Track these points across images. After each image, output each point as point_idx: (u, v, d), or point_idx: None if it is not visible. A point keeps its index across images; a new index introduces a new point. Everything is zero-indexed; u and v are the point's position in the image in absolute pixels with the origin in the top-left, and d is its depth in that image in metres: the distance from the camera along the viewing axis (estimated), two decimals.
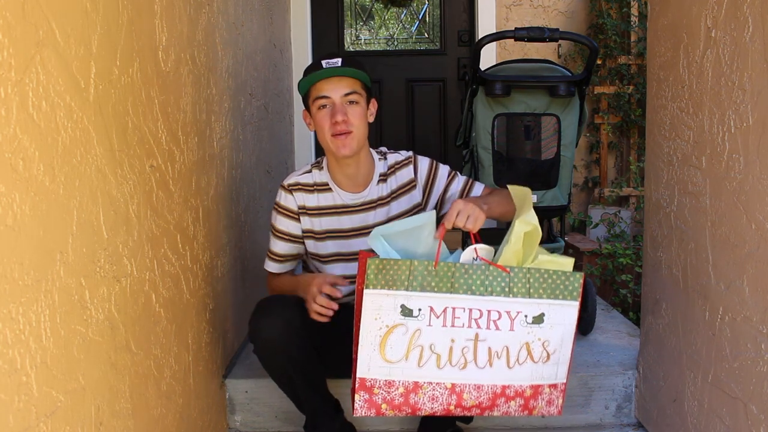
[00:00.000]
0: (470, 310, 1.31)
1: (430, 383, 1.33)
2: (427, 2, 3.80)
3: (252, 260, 2.30)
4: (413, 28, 3.84)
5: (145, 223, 1.31)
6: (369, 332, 1.29)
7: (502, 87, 2.06)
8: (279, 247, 1.72)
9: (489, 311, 1.32)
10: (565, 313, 1.36)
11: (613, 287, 2.98)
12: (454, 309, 1.31)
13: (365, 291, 1.28)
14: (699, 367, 1.46)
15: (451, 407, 1.35)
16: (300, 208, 1.68)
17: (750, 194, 1.23)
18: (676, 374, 1.60)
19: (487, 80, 2.07)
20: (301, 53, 3.59)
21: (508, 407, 1.37)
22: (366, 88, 1.63)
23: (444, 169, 1.74)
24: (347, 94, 1.57)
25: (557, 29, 2.03)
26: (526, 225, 1.33)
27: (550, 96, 2.09)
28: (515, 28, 2.04)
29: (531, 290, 1.33)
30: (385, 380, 1.32)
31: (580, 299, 1.37)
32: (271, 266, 1.76)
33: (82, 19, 1.06)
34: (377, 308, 1.28)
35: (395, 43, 3.83)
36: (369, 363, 1.31)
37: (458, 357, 1.32)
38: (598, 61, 3.51)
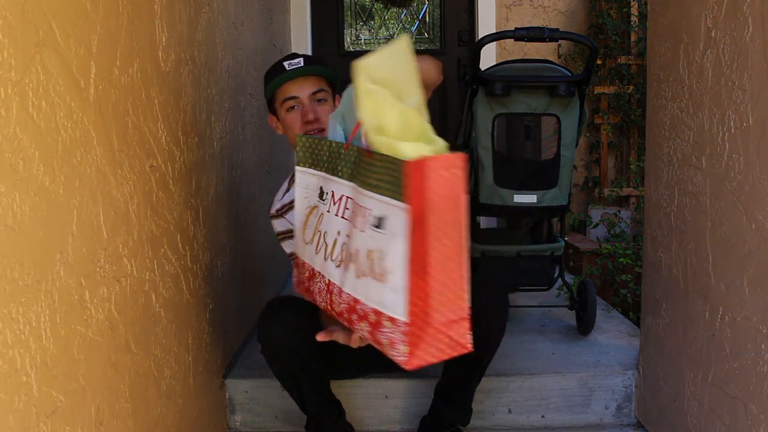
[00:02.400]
0: (352, 201, 1.10)
1: (319, 273, 1.21)
2: (427, 2, 3.80)
3: (252, 260, 2.30)
4: (413, 28, 3.84)
5: (145, 223, 1.31)
6: (300, 210, 1.26)
7: (502, 87, 2.06)
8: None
9: (359, 206, 1.07)
10: (398, 220, 0.97)
11: (613, 287, 2.98)
12: (348, 199, 1.13)
13: (297, 168, 1.26)
14: (699, 367, 1.46)
15: (328, 307, 1.19)
16: None
17: (750, 194, 1.23)
18: (676, 374, 1.60)
19: (487, 80, 2.07)
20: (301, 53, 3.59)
21: (361, 328, 1.10)
22: (331, 84, 1.63)
23: None
24: (314, 93, 1.57)
25: (557, 29, 2.03)
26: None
27: (550, 96, 2.09)
28: (515, 28, 2.04)
29: (380, 183, 1.01)
30: (302, 261, 1.27)
31: (410, 206, 0.95)
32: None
33: (82, 19, 1.06)
34: (306, 186, 1.24)
35: None
36: (298, 240, 1.28)
37: (338, 252, 1.13)
38: (598, 61, 3.51)
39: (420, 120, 1.02)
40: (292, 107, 1.58)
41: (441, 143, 1.00)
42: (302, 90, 1.57)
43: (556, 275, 2.32)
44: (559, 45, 3.61)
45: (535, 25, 3.57)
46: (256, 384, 1.90)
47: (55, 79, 0.97)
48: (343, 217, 1.14)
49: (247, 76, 2.34)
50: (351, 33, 3.83)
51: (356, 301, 1.08)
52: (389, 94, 1.02)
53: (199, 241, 1.68)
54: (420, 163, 0.91)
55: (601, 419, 1.90)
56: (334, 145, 1.18)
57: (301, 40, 3.60)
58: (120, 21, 1.21)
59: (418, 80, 1.07)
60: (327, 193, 1.19)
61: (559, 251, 2.26)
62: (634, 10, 3.49)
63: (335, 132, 1.20)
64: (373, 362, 1.81)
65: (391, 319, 1.00)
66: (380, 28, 3.84)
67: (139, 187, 1.29)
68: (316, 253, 1.20)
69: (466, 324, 0.98)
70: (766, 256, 1.19)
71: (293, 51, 3.56)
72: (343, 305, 1.12)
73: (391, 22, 3.84)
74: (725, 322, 1.34)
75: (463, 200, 0.94)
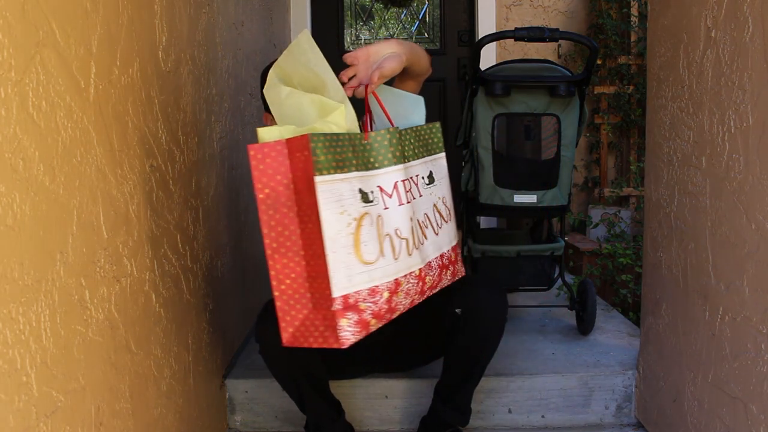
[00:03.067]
0: (402, 182, 1.13)
1: (406, 276, 1.11)
2: (427, 2, 3.80)
3: (252, 260, 2.30)
4: (413, 28, 3.84)
5: (145, 223, 1.31)
6: (337, 232, 1.00)
7: (502, 87, 2.06)
8: None
9: (409, 179, 1.15)
10: (442, 165, 1.29)
11: (613, 287, 2.98)
12: (401, 182, 1.11)
13: (317, 179, 0.98)
14: (699, 367, 1.46)
15: (416, 297, 1.16)
16: None
17: (750, 194, 1.23)
18: (676, 374, 1.60)
19: (487, 80, 2.07)
20: None
21: (447, 279, 1.22)
22: None
23: None
24: None
25: (557, 29, 2.03)
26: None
27: (550, 96, 2.09)
28: (515, 28, 2.04)
29: (416, 151, 1.21)
30: (369, 288, 1.04)
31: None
32: None
33: (82, 19, 1.06)
34: (338, 199, 1.00)
35: None
36: (348, 272, 1.01)
37: (418, 235, 1.13)
38: (598, 61, 3.51)
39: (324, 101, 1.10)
40: None
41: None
42: None
43: (556, 275, 2.32)
44: (559, 45, 3.61)
45: (535, 25, 3.57)
46: (256, 384, 1.90)
47: (55, 79, 0.97)
48: (408, 202, 1.13)
49: (247, 76, 2.34)
50: (351, 33, 3.83)
51: (441, 255, 1.19)
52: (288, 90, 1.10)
53: (199, 241, 1.68)
54: None
55: (601, 419, 1.90)
56: (354, 137, 1.07)
57: None
58: (120, 21, 1.21)
59: (326, 68, 1.13)
60: (373, 191, 1.07)
61: (559, 251, 2.26)
62: (634, 10, 3.49)
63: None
64: (373, 362, 1.81)
65: (454, 247, 1.24)
66: (380, 28, 3.84)
67: (139, 187, 1.29)
68: (396, 260, 1.08)
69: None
70: (766, 256, 1.19)
71: None
72: (433, 274, 1.18)
73: (391, 22, 3.84)
74: (725, 322, 1.34)
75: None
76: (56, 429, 0.96)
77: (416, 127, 1.23)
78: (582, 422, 1.89)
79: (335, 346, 1.01)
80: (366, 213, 1.05)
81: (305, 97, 1.09)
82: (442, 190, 1.27)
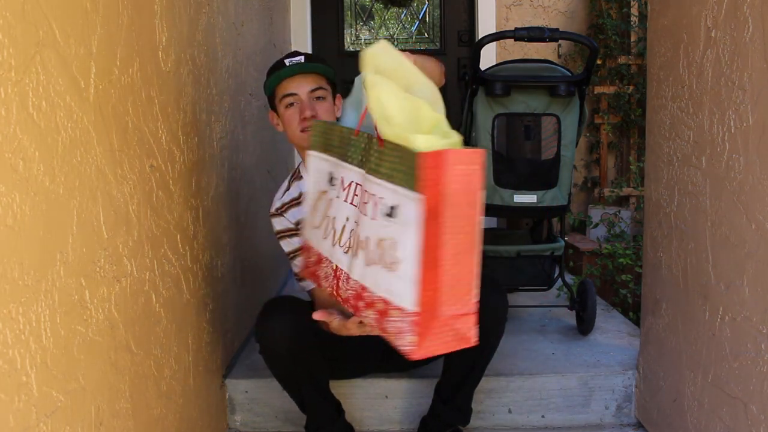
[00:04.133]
0: (360, 187, 1.11)
1: (327, 258, 1.20)
2: (427, 2, 3.80)
3: (252, 260, 2.30)
4: (413, 28, 3.84)
5: (145, 223, 1.31)
6: (311, 195, 1.24)
7: (502, 87, 2.06)
8: (296, 241, 1.66)
9: (368, 193, 1.07)
10: (412, 210, 0.99)
11: (613, 287, 2.98)
12: (357, 185, 1.12)
13: (310, 152, 1.23)
14: (699, 367, 1.46)
15: (334, 293, 1.18)
16: (297, 223, 1.65)
17: (750, 194, 1.23)
18: (676, 374, 1.60)
19: (487, 80, 2.07)
20: None
21: (367, 315, 1.10)
22: (331, 83, 1.63)
23: None
24: (313, 90, 1.57)
25: (557, 29, 2.03)
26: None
27: (550, 96, 2.09)
28: (515, 28, 2.04)
29: (393, 172, 1.01)
30: (309, 245, 1.25)
31: (424, 197, 0.98)
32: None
33: (82, 19, 1.06)
34: (317, 170, 1.22)
35: (395, 43, 3.83)
36: (307, 224, 1.25)
37: (347, 238, 1.14)
38: (598, 61, 3.51)
39: (431, 112, 1.01)
40: (291, 104, 1.58)
41: (456, 137, 0.98)
42: (301, 87, 1.57)
43: (556, 275, 2.32)
44: (559, 45, 3.61)
45: (535, 25, 3.57)
46: (256, 384, 1.90)
47: (55, 79, 0.97)
48: (352, 204, 1.13)
49: (247, 76, 2.34)
50: (351, 33, 3.83)
51: (364, 288, 1.07)
52: (394, 85, 1.02)
53: (199, 241, 1.68)
54: (437, 156, 0.90)
55: (601, 419, 1.90)
56: (345, 131, 1.17)
57: (301, 40, 3.60)
58: (120, 21, 1.21)
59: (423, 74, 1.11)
60: (336, 179, 1.18)
61: (559, 251, 2.26)
62: (634, 10, 3.49)
63: (348, 118, 1.21)
64: (373, 362, 1.81)
65: (400, 309, 0.99)
66: (380, 28, 3.84)
67: (139, 187, 1.29)
68: (324, 239, 1.19)
69: (473, 318, 0.98)
70: (766, 256, 1.19)
71: (292, 50, 3.56)
72: (349, 291, 1.11)
73: (391, 22, 3.84)
74: (725, 322, 1.34)
75: (480, 196, 0.92)
76: (56, 429, 0.95)
77: (402, 146, 1.01)
78: (582, 422, 1.89)
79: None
80: (326, 191, 1.19)
81: (420, 104, 1.02)
82: (398, 235, 1.00)
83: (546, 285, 2.32)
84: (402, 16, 3.84)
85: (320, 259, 1.21)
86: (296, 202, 1.65)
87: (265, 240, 2.52)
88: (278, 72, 1.58)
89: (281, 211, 1.67)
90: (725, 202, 1.33)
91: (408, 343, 0.98)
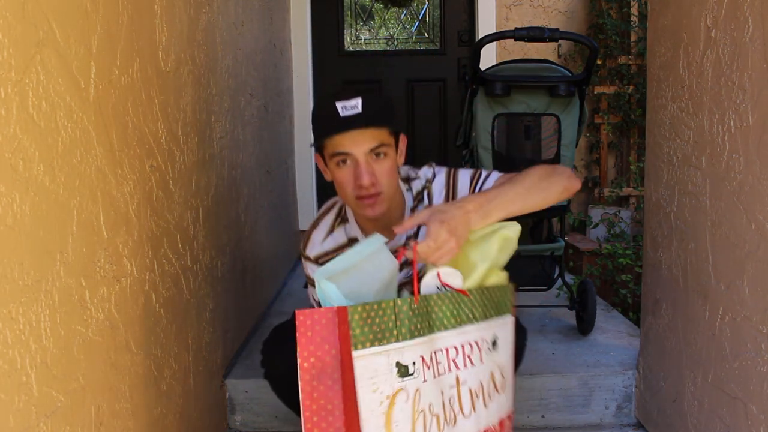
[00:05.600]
0: (446, 349, 1.04)
1: None
2: (427, 2, 3.80)
3: (252, 260, 2.30)
4: (413, 28, 3.84)
5: (145, 223, 1.31)
6: (371, 411, 0.94)
7: (502, 87, 2.06)
8: None
9: (463, 346, 1.06)
10: (507, 330, 1.14)
11: (613, 287, 2.98)
12: (436, 353, 1.02)
13: (354, 353, 0.94)
14: (699, 367, 1.46)
15: None
16: None
17: (750, 194, 1.23)
18: (676, 374, 1.60)
19: (487, 80, 2.07)
20: (301, 53, 3.59)
21: None
22: (394, 132, 1.30)
23: (465, 177, 1.41)
24: (373, 149, 1.25)
25: (557, 29, 2.03)
26: (509, 230, 1.15)
27: (550, 96, 2.09)
28: (515, 28, 2.04)
29: (485, 311, 1.10)
30: None
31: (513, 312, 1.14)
32: None
33: (82, 19, 1.06)
34: (372, 375, 0.94)
35: (395, 43, 3.83)
36: None
37: (449, 411, 1.03)
38: (598, 61, 3.51)
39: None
40: (344, 161, 1.26)
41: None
42: (358, 146, 1.23)
43: (556, 275, 2.32)
44: (559, 45, 3.61)
45: (535, 25, 3.57)
46: (256, 384, 1.90)
47: (55, 79, 0.97)
48: (449, 370, 1.04)
49: (247, 76, 2.34)
50: (351, 33, 3.83)
51: (486, 430, 1.10)
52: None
53: (199, 241, 1.68)
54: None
55: (601, 419, 1.90)
56: (399, 303, 0.98)
57: (301, 40, 3.60)
58: (120, 21, 1.21)
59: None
60: (413, 364, 0.99)
61: (559, 251, 2.26)
62: (634, 10, 3.49)
63: (339, 299, 0.99)
64: None
65: (509, 417, 1.15)
66: (380, 28, 3.84)
67: (139, 187, 1.29)
68: None
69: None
70: (766, 256, 1.19)
71: (293, 50, 3.56)
72: None
73: (391, 22, 3.84)
74: (725, 322, 1.34)
75: None
76: (56, 429, 0.95)
77: (485, 286, 1.11)
78: (582, 422, 1.89)
79: None
80: (401, 389, 0.97)
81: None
82: (502, 360, 1.11)
83: (546, 285, 2.32)
84: (402, 16, 3.84)
85: None
86: (340, 250, 1.41)
87: (265, 240, 2.52)
88: (330, 124, 1.24)
89: (319, 260, 1.44)
90: (725, 202, 1.33)
91: None
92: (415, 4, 3.82)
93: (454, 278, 1.08)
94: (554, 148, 2.12)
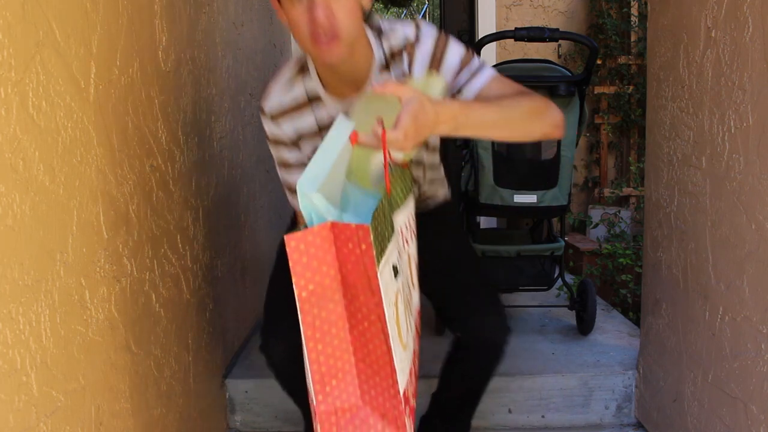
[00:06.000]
0: (401, 229, 0.98)
1: (415, 351, 1.02)
2: (427, 2, 3.81)
3: (252, 260, 2.30)
4: None
5: (145, 223, 1.31)
6: (392, 324, 0.90)
7: None
8: (288, 155, 1.37)
9: (407, 222, 1.00)
10: (412, 218, 1.11)
11: (613, 287, 2.98)
12: (399, 236, 0.96)
13: (380, 275, 0.87)
14: (699, 367, 1.46)
15: (412, 377, 1.03)
16: (299, 137, 1.33)
17: (750, 194, 1.23)
18: (676, 374, 1.60)
19: None
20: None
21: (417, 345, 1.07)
22: None
23: (454, 57, 1.23)
24: None
25: (557, 29, 2.03)
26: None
27: (550, 96, 2.09)
28: (515, 28, 2.03)
29: (405, 185, 1.05)
30: (408, 378, 0.98)
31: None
32: (295, 173, 1.37)
33: (82, 19, 1.06)
34: (386, 290, 0.89)
35: None
36: (401, 365, 0.91)
37: (408, 290, 0.99)
38: (598, 61, 3.51)
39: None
40: None
41: None
42: None
43: (556, 275, 2.32)
44: (559, 45, 3.61)
45: (535, 25, 3.57)
46: (256, 384, 1.90)
47: (55, 79, 0.97)
48: (404, 249, 0.99)
49: (247, 76, 2.34)
50: None
51: (417, 310, 1.08)
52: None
53: (199, 241, 1.68)
54: None
55: (601, 419, 1.90)
56: (385, 204, 0.94)
57: None
58: (120, 21, 1.21)
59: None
60: (400, 263, 0.95)
61: (559, 251, 2.26)
62: (634, 10, 3.49)
63: (329, 211, 0.90)
64: None
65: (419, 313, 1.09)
66: None
67: (139, 187, 1.29)
68: (413, 338, 0.98)
69: None
70: (766, 256, 1.19)
71: (293, 51, 3.55)
72: (416, 345, 1.06)
73: None
74: (725, 322, 1.34)
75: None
76: (56, 429, 0.95)
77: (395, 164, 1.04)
78: (582, 422, 1.89)
79: None
80: (398, 291, 0.93)
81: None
82: (413, 247, 1.03)
83: (546, 285, 2.32)
84: (402, 16, 3.84)
85: (416, 362, 1.02)
86: (298, 108, 1.29)
87: (265, 240, 2.52)
88: None
89: (275, 118, 1.31)
90: (725, 202, 1.33)
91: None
92: (415, 4, 3.82)
93: (397, 153, 0.99)
94: (554, 148, 2.12)
